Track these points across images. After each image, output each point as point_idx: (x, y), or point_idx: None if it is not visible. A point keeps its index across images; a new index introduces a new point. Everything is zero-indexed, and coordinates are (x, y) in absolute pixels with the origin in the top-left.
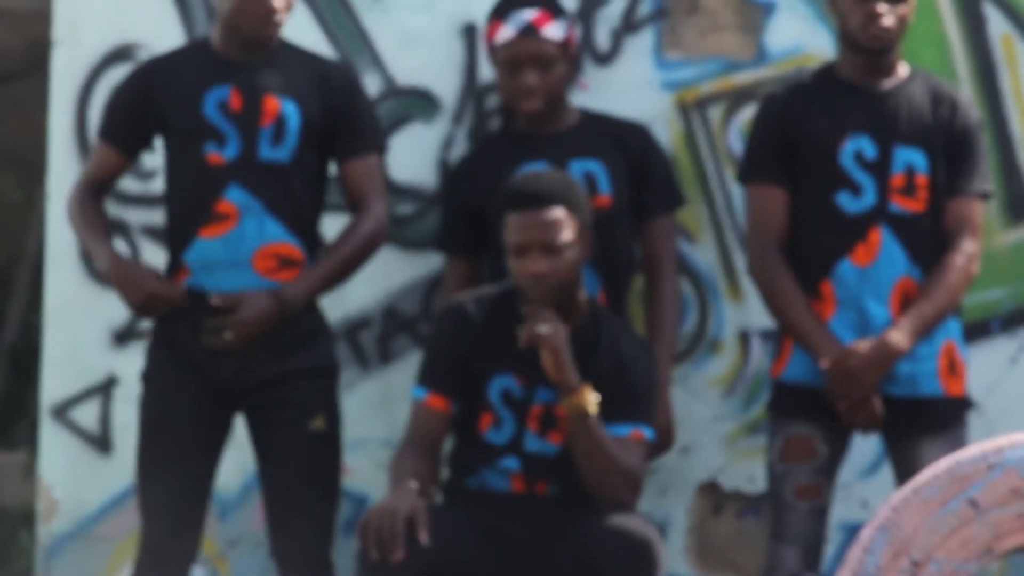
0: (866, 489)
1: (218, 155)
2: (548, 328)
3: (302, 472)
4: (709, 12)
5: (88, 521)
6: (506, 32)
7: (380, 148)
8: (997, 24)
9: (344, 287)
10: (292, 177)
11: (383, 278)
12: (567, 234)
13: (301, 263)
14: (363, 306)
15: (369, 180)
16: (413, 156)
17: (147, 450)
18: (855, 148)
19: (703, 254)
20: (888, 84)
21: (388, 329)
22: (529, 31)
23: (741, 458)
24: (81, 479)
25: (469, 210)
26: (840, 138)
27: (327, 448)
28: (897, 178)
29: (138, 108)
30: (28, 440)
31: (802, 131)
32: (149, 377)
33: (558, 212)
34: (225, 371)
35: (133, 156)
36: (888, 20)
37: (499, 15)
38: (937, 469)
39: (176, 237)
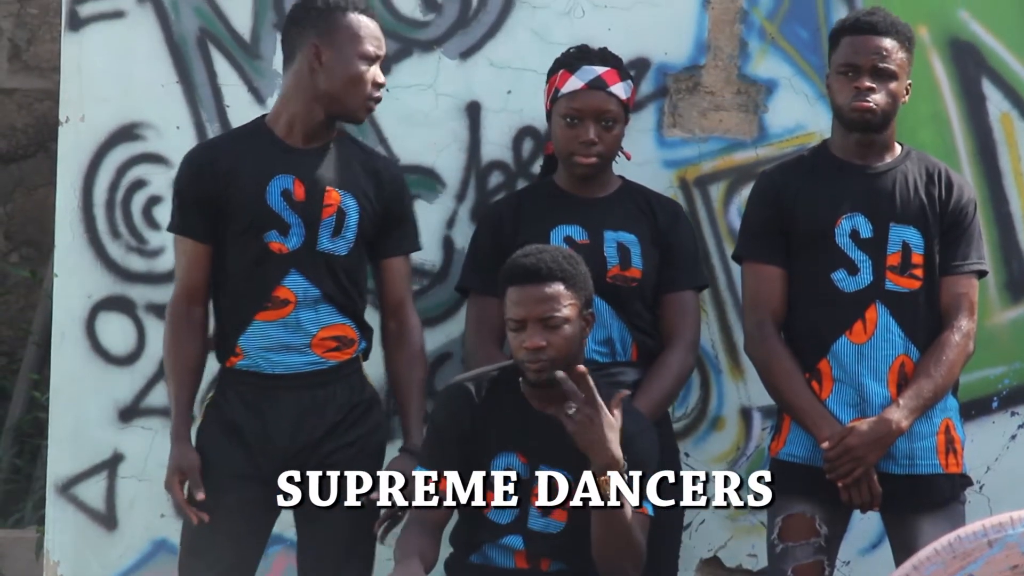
0: (867, 567)
1: (280, 244)
2: (616, 420)
3: (342, 548)
4: (710, 91)
5: None
6: (574, 83)
7: (418, 249)
8: (996, 103)
9: None
10: (347, 269)
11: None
12: (566, 310)
13: (356, 342)
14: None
15: (408, 282)
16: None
17: (191, 532)
18: (851, 227)
19: (705, 331)
20: (882, 163)
21: (392, 406)
22: (598, 85)
23: (743, 534)
24: (87, 555)
25: (496, 254)
26: (836, 217)
27: (366, 519)
28: (893, 256)
29: (206, 194)
30: (34, 517)
31: (797, 210)
32: (200, 453)
33: (558, 288)
34: (281, 457)
35: (215, 245)
36: (875, 96)
37: (568, 66)
38: (938, 546)
39: (231, 320)
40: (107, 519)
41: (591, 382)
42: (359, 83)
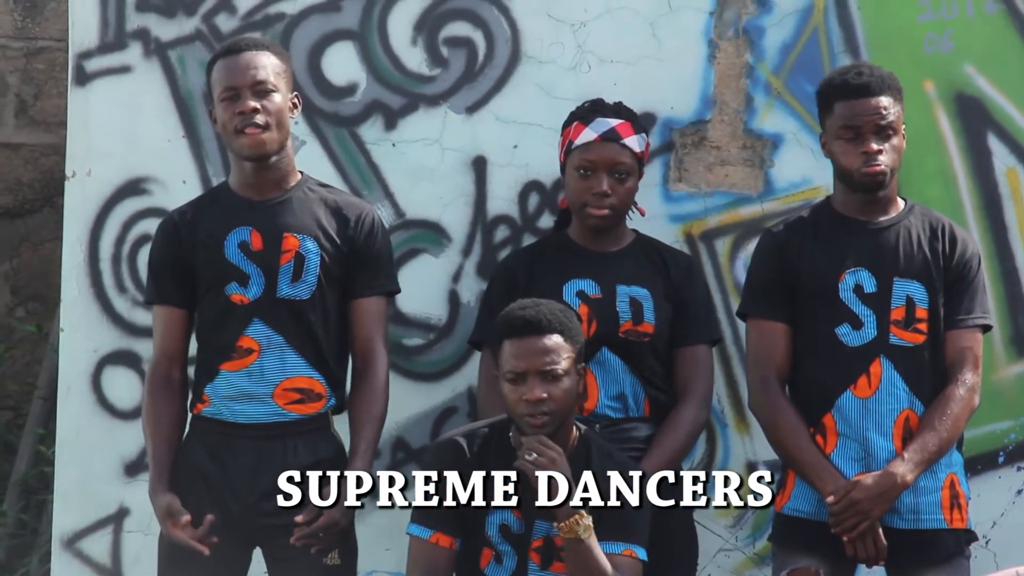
0: None
1: (241, 295)
2: (554, 454)
3: None
4: (716, 146)
5: None
6: (588, 135)
7: (391, 291)
8: (1002, 158)
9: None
10: (311, 313)
11: (392, 409)
12: (565, 362)
13: (323, 396)
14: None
15: (377, 323)
16: (422, 288)
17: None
18: (854, 281)
19: None
20: (886, 218)
21: (397, 460)
22: (611, 136)
23: None
24: None
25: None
26: (839, 272)
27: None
28: (897, 311)
29: (174, 260)
30: (40, 572)
31: (801, 266)
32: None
33: (557, 340)
34: (240, 507)
35: (193, 307)
36: (884, 157)
37: (582, 118)
38: None
39: (201, 370)
40: (112, 573)
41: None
42: (227, 125)
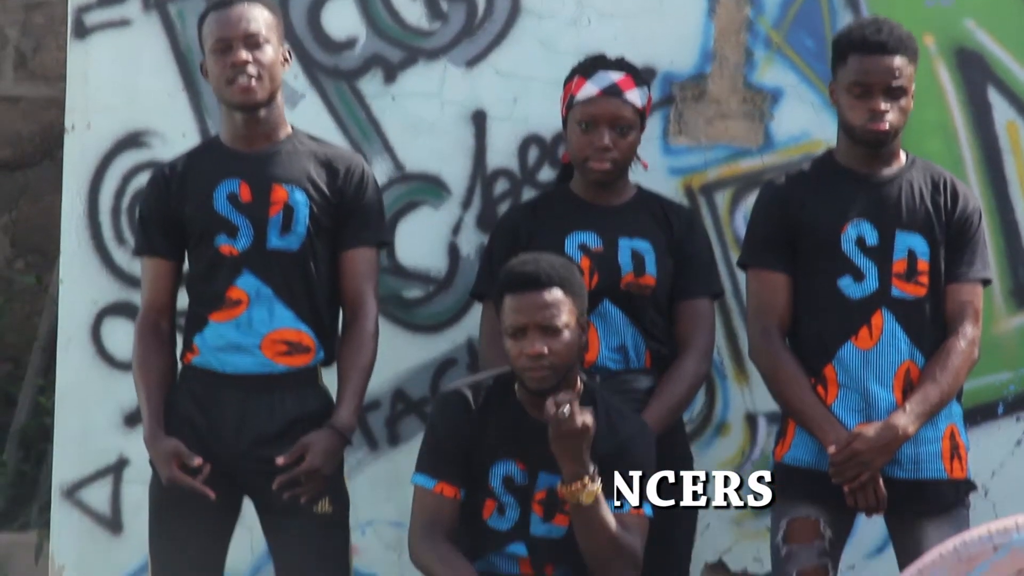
0: (872, 571)
1: (230, 246)
2: (588, 419)
3: (311, 557)
4: (716, 99)
5: None
6: (589, 89)
7: (382, 243)
8: (1002, 111)
9: None
10: (301, 264)
11: (392, 361)
12: (565, 316)
13: (311, 349)
14: (372, 388)
15: (367, 274)
16: (422, 241)
17: (157, 534)
18: (856, 233)
19: None
20: (888, 171)
21: (397, 411)
22: (613, 91)
23: (748, 539)
24: (92, 559)
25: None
26: (841, 224)
27: (335, 531)
28: (899, 263)
29: (163, 212)
30: (40, 521)
31: (803, 218)
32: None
33: (557, 294)
34: (228, 457)
35: (181, 259)
36: (890, 116)
37: (584, 72)
38: (943, 550)
39: (191, 321)
40: (112, 523)
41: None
42: (219, 76)
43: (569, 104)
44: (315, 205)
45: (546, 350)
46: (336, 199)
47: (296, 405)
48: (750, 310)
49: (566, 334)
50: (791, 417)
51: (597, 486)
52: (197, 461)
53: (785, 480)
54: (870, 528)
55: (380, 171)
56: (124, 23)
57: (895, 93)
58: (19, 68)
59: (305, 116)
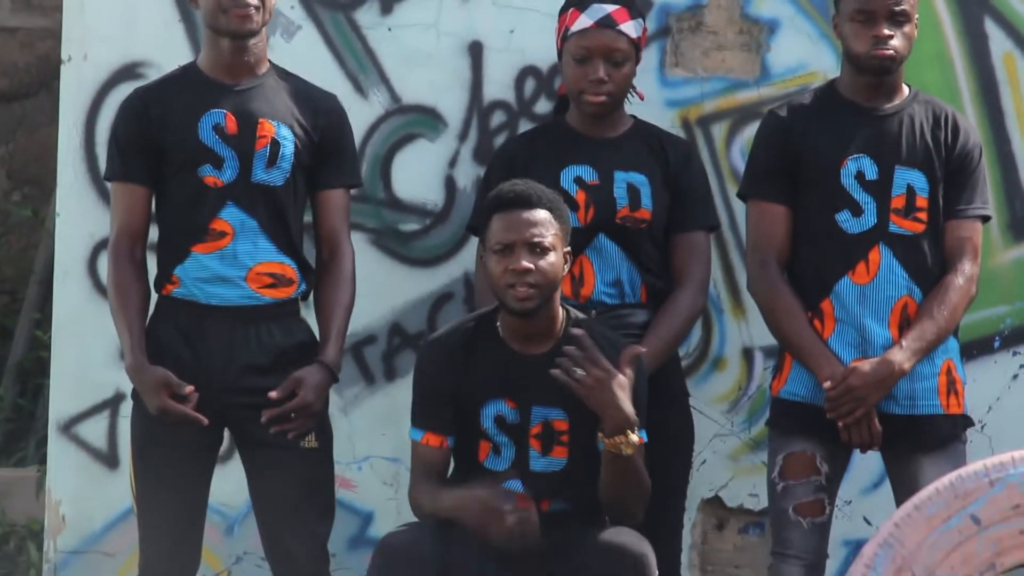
0: (868, 506)
1: (215, 177)
2: (601, 374)
3: (297, 491)
4: (712, 31)
5: (95, 536)
6: (584, 21)
7: (358, 184)
8: (999, 43)
9: None
10: (284, 199)
11: (388, 295)
12: (551, 238)
13: (295, 282)
14: (368, 323)
15: (343, 214)
16: (418, 173)
17: (141, 470)
18: (856, 168)
19: None
20: (890, 105)
21: (394, 345)
22: (607, 23)
23: (745, 474)
24: (89, 495)
25: None
26: (841, 158)
27: (321, 465)
28: (897, 199)
29: (142, 138)
30: (37, 456)
31: (803, 150)
32: (138, 394)
33: (545, 214)
34: (213, 389)
35: (154, 186)
36: (895, 42)
37: (578, 5)
38: (939, 485)
39: (168, 251)
40: (109, 458)
41: (590, 343)
42: (214, 3)
43: (564, 36)
44: (299, 142)
45: (532, 266)
46: (317, 138)
47: (283, 336)
48: (749, 242)
49: (552, 255)
50: (787, 351)
51: (639, 435)
52: (188, 389)
53: (781, 414)
54: (867, 463)
55: (377, 103)
56: None
57: (898, 19)
58: None
59: (301, 48)
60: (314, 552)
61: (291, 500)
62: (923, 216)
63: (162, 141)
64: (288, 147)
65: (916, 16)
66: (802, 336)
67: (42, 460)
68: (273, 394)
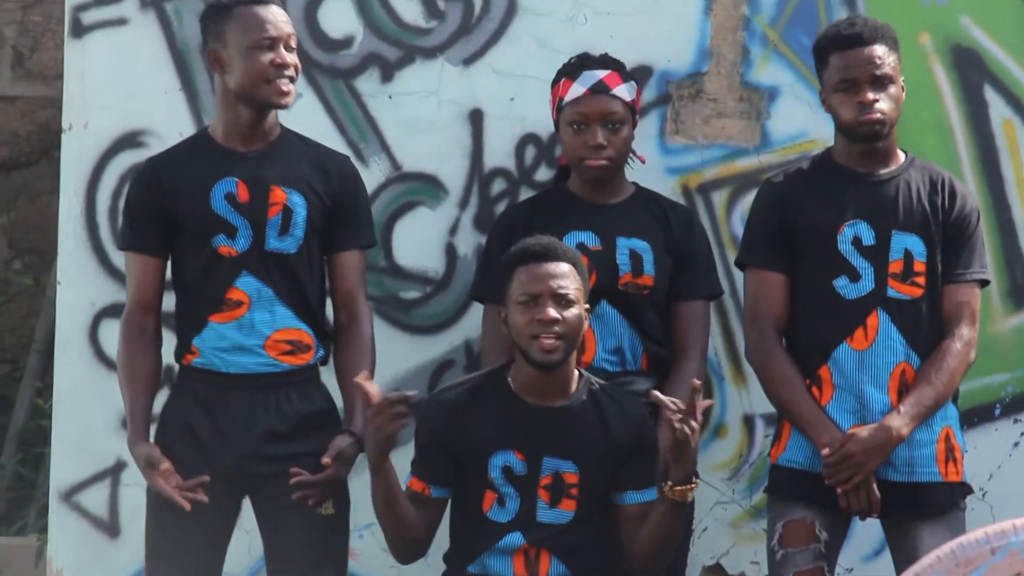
0: (869, 574)
1: (229, 247)
2: (695, 425)
3: (313, 557)
4: (712, 98)
5: None
6: (577, 90)
7: (372, 243)
8: (999, 110)
9: None
10: (299, 266)
11: (390, 362)
12: (575, 292)
13: (311, 348)
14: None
15: (360, 276)
16: (419, 241)
17: (155, 534)
18: (853, 234)
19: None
20: (886, 171)
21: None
22: (600, 89)
23: (746, 541)
24: (90, 563)
25: None
26: (838, 224)
27: (337, 532)
28: (895, 264)
29: (154, 208)
30: (38, 525)
31: (800, 217)
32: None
33: (567, 267)
34: (233, 457)
35: (167, 256)
36: (881, 105)
37: (569, 74)
38: (940, 553)
39: (186, 321)
40: (110, 527)
41: (696, 396)
42: (259, 73)
43: (559, 107)
44: (311, 208)
45: (559, 316)
46: (330, 201)
47: (302, 403)
48: (747, 310)
49: (575, 308)
50: (785, 418)
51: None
52: (165, 467)
53: (780, 482)
54: (867, 531)
55: (377, 170)
56: (121, 22)
57: (881, 82)
58: (16, 67)
59: (303, 115)
60: None
61: (307, 565)
62: (921, 281)
63: (175, 211)
64: (300, 213)
65: (901, 78)
66: (799, 403)
67: (43, 529)
68: (325, 459)
